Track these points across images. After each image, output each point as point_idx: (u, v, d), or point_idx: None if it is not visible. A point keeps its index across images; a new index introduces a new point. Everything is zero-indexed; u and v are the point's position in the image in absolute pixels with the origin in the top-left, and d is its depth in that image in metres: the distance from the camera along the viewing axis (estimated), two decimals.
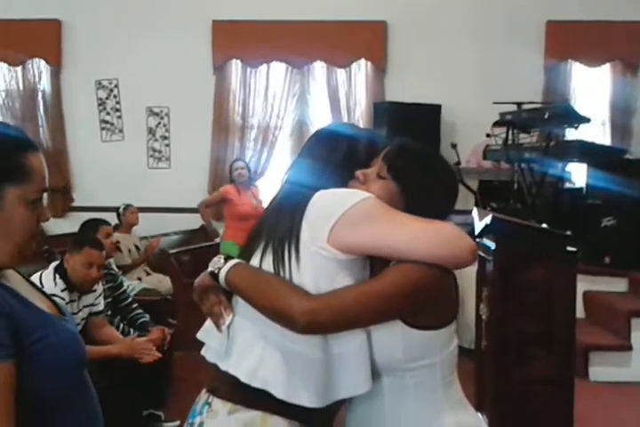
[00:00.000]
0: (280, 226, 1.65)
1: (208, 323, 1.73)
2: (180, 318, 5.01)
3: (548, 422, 3.11)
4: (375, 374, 1.62)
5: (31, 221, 1.43)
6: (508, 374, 3.14)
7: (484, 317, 3.34)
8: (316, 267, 1.58)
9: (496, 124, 6.28)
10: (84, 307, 3.78)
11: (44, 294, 1.58)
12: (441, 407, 1.65)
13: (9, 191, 1.38)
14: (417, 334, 1.59)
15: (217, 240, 6.58)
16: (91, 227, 4.54)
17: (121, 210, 6.40)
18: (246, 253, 1.71)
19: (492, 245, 3.20)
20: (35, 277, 3.61)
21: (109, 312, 4.15)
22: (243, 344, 1.63)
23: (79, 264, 3.66)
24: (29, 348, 1.35)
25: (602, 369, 4.86)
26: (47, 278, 3.61)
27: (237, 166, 6.45)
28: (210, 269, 1.67)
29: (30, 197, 1.41)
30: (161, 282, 6.02)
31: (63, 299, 3.56)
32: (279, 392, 1.57)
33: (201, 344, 1.76)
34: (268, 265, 1.63)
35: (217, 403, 1.65)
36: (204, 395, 1.70)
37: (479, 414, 1.81)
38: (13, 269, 1.51)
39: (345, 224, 1.55)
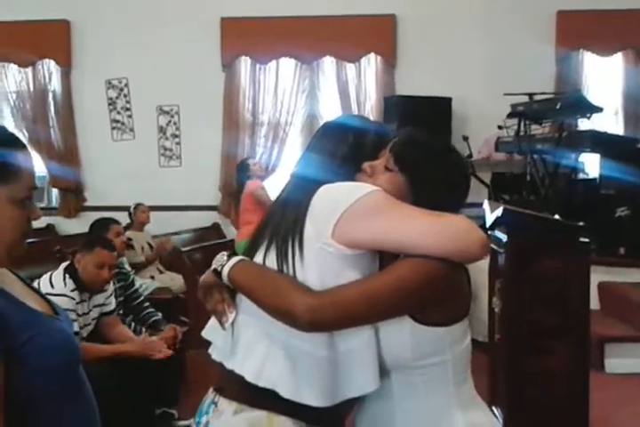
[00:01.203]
0: (284, 221, 1.61)
1: (212, 321, 1.70)
2: (192, 316, 5.00)
3: (564, 415, 3.08)
4: (384, 372, 1.57)
5: (21, 221, 1.41)
6: (521, 366, 3.11)
7: (496, 309, 3.31)
8: (321, 263, 1.54)
9: (509, 115, 6.24)
10: (95, 307, 3.77)
11: (39, 293, 1.57)
12: (452, 406, 1.60)
13: None
14: (426, 331, 1.54)
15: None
16: (101, 226, 4.54)
17: (132, 209, 6.43)
18: (251, 250, 1.68)
19: (504, 238, 3.17)
20: (45, 278, 3.62)
21: (121, 311, 4.15)
22: (247, 343, 1.61)
23: (91, 264, 3.65)
24: (19, 349, 1.33)
25: (618, 361, 4.81)
26: (57, 279, 3.61)
27: (256, 162, 6.59)
28: (213, 266, 1.64)
29: (19, 195, 1.39)
30: (173, 280, 6.03)
31: (73, 299, 3.55)
32: (285, 392, 1.53)
33: None
34: (272, 262, 1.59)
35: (223, 402, 1.62)
36: (210, 394, 1.68)
37: (493, 411, 1.76)
38: (9, 268, 1.50)
39: (350, 219, 1.51)
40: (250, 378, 1.56)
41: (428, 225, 1.50)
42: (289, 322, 1.50)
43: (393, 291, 1.49)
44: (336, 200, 1.55)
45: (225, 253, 1.66)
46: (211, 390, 1.69)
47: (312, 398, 1.52)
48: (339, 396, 1.55)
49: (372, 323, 1.54)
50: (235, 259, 1.62)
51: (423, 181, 1.61)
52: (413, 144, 1.66)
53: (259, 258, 1.63)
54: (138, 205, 6.45)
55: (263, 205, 6.03)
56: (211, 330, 1.72)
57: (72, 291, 3.58)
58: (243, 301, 1.62)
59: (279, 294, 1.51)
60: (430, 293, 1.53)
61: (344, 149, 1.69)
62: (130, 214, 6.42)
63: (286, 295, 1.50)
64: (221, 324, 1.64)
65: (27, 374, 1.35)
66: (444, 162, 1.66)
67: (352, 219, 1.51)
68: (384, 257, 1.61)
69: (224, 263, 1.61)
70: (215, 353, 1.70)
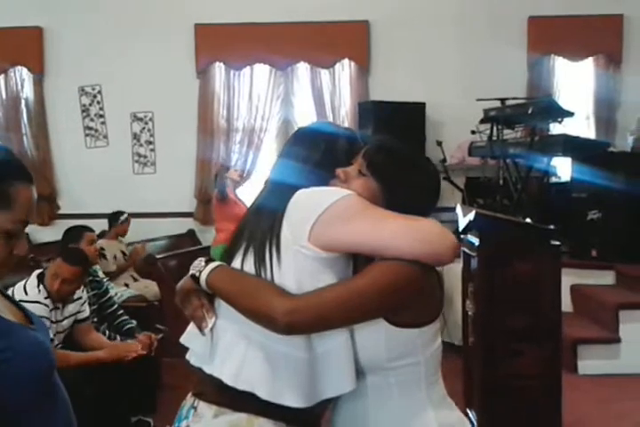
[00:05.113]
0: (261, 226, 1.64)
1: (191, 327, 1.72)
2: (168, 323, 4.97)
3: (538, 416, 3.12)
4: (358, 373, 1.60)
5: (1, 251, 1.38)
6: (495, 369, 3.14)
7: (470, 313, 3.34)
8: (298, 266, 1.57)
9: (483, 121, 6.29)
10: (70, 316, 3.76)
11: (14, 303, 1.56)
12: (424, 406, 1.64)
13: None
14: (400, 333, 1.58)
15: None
16: (74, 234, 4.52)
17: (121, 218, 6.36)
18: (229, 255, 1.70)
19: (477, 242, 3.20)
20: (19, 286, 3.62)
21: (95, 319, 4.13)
22: (226, 346, 1.62)
23: (49, 273, 3.65)
24: None
25: (590, 362, 4.86)
26: (31, 286, 3.61)
27: (237, 168, 6.73)
28: (191, 272, 1.66)
29: (5, 226, 1.36)
30: (147, 287, 6.00)
31: (47, 306, 3.56)
32: (264, 393, 1.56)
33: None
34: (250, 266, 1.62)
35: (202, 406, 1.64)
36: (189, 399, 1.70)
37: (464, 412, 1.79)
38: None
39: (325, 222, 1.54)
40: (228, 381, 1.58)
41: (400, 228, 1.54)
42: (267, 325, 1.52)
43: (368, 294, 1.52)
44: (312, 204, 1.58)
45: (202, 258, 1.69)
46: (189, 395, 1.71)
47: (291, 399, 1.55)
48: (317, 396, 1.58)
49: (349, 325, 1.57)
50: (212, 264, 1.64)
51: (395, 185, 1.66)
52: (386, 150, 1.71)
53: (236, 263, 1.66)
54: (123, 216, 6.40)
55: (231, 211, 6.08)
56: (189, 336, 1.73)
57: (45, 298, 3.58)
58: (221, 305, 1.65)
59: (257, 298, 1.54)
60: (403, 295, 1.57)
61: (316, 155, 1.72)
62: (110, 222, 6.38)
63: (264, 299, 1.53)
64: (201, 329, 1.66)
65: (2, 384, 1.33)
66: (415, 167, 1.71)
67: (327, 222, 1.55)
68: (358, 260, 1.65)
69: (202, 269, 1.64)
70: (194, 358, 1.71)
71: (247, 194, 6.70)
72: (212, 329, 1.65)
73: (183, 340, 1.75)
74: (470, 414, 3.21)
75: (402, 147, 1.73)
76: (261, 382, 1.56)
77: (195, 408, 1.65)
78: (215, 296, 1.66)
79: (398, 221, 1.55)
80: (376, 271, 1.55)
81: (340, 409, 1.69)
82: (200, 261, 1.66)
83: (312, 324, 1.52)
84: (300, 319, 1.50)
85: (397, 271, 1.53)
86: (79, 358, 3.59)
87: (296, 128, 6.36)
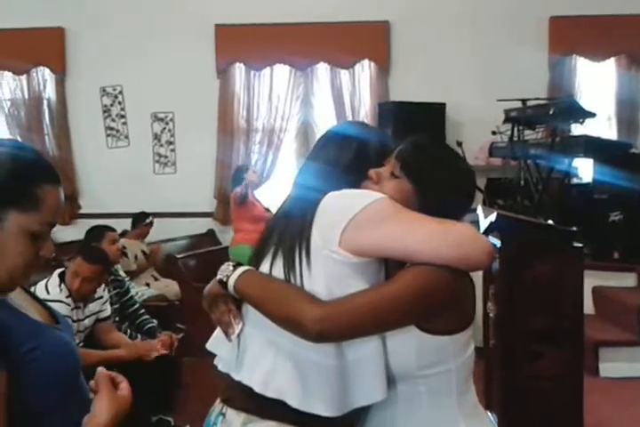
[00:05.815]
0: (290, 230, 1.61)
1: (217, 332, 1.70)
2: (188, 322, 5.00)
3: (558, 419, 3.09)
4: (389, 381, 1.57)
5: (27, 252, 1.38)
6: (516, 372, 3.12)
7: (491, 315, 3.33)
8: (328, 271, 1.53)
9: (506, 121, 6.26)
10: (91, 314, 3.78)
11: (40, 303, 1.56)
12: (454, 416, 1.60)
13: (11, 216, 1.35)
14: (431, 340, 1.54)
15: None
16: (96, 234, 4.55)
17: (148, 220, 6.44)
18: (256, 259, 1.67)
19: (498, 243, 3.18)
20: (40, 285, 3.65)
21: (117, 318, 4.16)
22: (254, 353, 1.60)
23: (70, 272, 3.68)
24: (21, 359, 1.33)
25: (612, 365, 4.82)
26: (52, 285, 3.64)
27: (255, 169, 6.75)
28: (219, 276, 1.63)
29: (32, 227, 1.36)
30: (168, 287, 6.02)
31: (68, 305, 3.59)
32: (294, 402, 1.53)
33: None
34: (279, 271, 1.59)
35: (231, 413, 1.62)
36: (217, 405, 1.68)
37: (492, 417, 1.77)
38: None
39: (356, 226, 1.51)
40: (258, 389, 1.56)
41: (432, 233, 1.50)
42: (297, 332, 1.49)
43: (400, 300, 1.49)
44: (343, 208, 1.55)
45: (230, 263, 1.65)
46: (218, 401, 1.69)
47: (321, 407, 1.52)
48: (348, 405, 1.55)
49: (380, 332, 1.54)
50: (241, 269, 1.61)
51: (430, 187, 1.62)
52: (420, 151, 1.67)
53: (265, 268, 1.63)
54: (149, 219, 6.45)
55: (249, 212, 6.12)
56: (215, 342, 1.72)
57: (67, 297, 3.61)
58: (249, 311, 1.62)
59: (286, 305, 1.51)
60: (435, 301, 1.53)
61: (346, 157, 1.69)
62: (134, 222, 6.42)
63: (294, 306, 1.49)
64: (227, 335, 1.63)
65: (28, 383, 1.34)
66: (451, 168, 1.66)
67: (358, 226, 1.51)
68: (390, 265, 1.61)
69: (230, 274, 1.61)
70: (221, 364, 1.70)
71: (265, 194, 6.74)
72: (239, 335, 1.62)
73: (209, 346, 1.73)
74: (491, 417, 3.20)
75: (437, 146, 1.71)
76: (291, 390, 1.53)
77: (223, 415, 1.64)
78: (243, 302, 1.63)
79: (431, 225, 1.51)
80: (408, 276, 1.51)
81: (369, 418, 1.65)
82: (228, 266, 1.63)
83: (343, 331, 1.49)
84: (331, 327, 1.46)
85: (428, 277, 1.50)
86: (99, 356, 3.61)
87: (315, 129, 6.38)
